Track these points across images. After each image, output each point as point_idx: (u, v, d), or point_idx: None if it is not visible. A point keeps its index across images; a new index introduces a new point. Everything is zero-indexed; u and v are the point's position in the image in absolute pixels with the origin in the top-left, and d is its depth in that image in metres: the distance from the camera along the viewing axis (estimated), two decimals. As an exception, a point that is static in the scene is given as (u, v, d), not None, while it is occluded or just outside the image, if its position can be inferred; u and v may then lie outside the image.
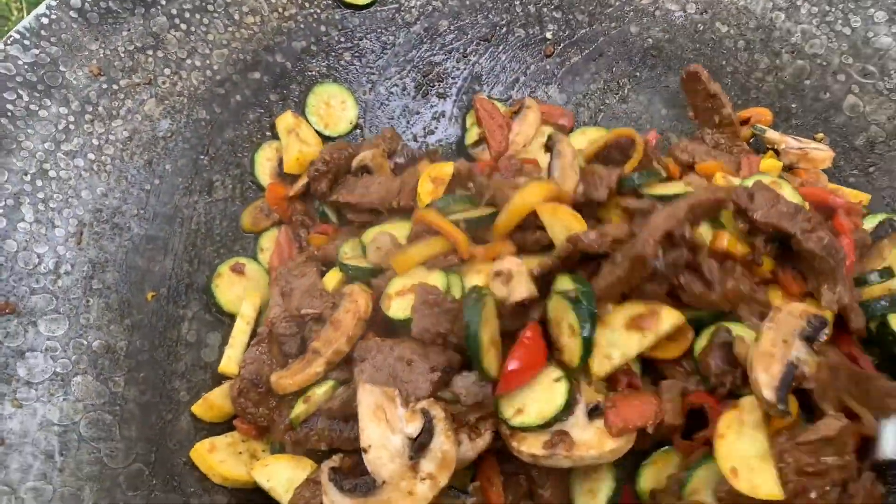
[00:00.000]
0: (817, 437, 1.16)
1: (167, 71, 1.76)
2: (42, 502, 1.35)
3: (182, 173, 1.77)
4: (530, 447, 1.27)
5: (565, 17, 2.07)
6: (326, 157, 1.79)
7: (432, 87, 2.10)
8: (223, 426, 1.59)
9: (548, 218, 1.40)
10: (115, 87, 1.68)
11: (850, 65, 1.79)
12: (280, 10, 1.92)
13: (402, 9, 2.04)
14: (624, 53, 2.05)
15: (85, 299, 1.55)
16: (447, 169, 1.64)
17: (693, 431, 1.33)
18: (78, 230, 1.58)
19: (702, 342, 1.36)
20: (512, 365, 1.28)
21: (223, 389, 1.57)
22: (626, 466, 1.37)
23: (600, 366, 1.31)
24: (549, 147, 1.57)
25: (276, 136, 1.92)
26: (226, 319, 1.72)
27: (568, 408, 1.27)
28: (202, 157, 1.81)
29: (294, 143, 1.87)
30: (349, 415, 1.36)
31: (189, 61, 1.79)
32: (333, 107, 2.00)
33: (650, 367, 1.40)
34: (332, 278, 1.63)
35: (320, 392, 1.41)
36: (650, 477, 1.37)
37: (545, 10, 2.07)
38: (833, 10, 1.81)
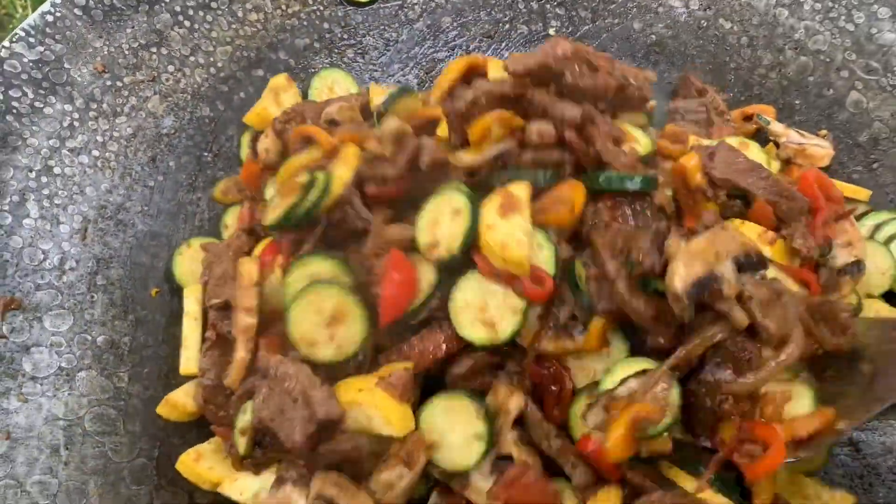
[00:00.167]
0: None
1: (171, 68, 1.77)
2: (48, 496, 1.37)
3: (185, 170, 1.78)
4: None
5: (568, 14, 2.07)
6: (288, 111, 1.71)
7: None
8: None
9: None
10: (119, 84, 1.69)
11: (854, 61, 1.79)
12: (283, 7, 1.92)
13: (405, 6, 2.05)
14: (627, 50, 2.05)
15: (89, 295, 1.56)
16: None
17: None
18: (82, 226, 1.59)
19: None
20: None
21: (185, 389, 1.52)
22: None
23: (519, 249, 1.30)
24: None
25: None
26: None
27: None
28: (205, 153, 1.82)
29: (267, 100, 1.81)
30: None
31: (192, 58, 1.80)
32: (337, 93, 1.93)
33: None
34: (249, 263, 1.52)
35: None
36: None
37: (548, 6, 2.07)
38: (836, 6, 1.81)
